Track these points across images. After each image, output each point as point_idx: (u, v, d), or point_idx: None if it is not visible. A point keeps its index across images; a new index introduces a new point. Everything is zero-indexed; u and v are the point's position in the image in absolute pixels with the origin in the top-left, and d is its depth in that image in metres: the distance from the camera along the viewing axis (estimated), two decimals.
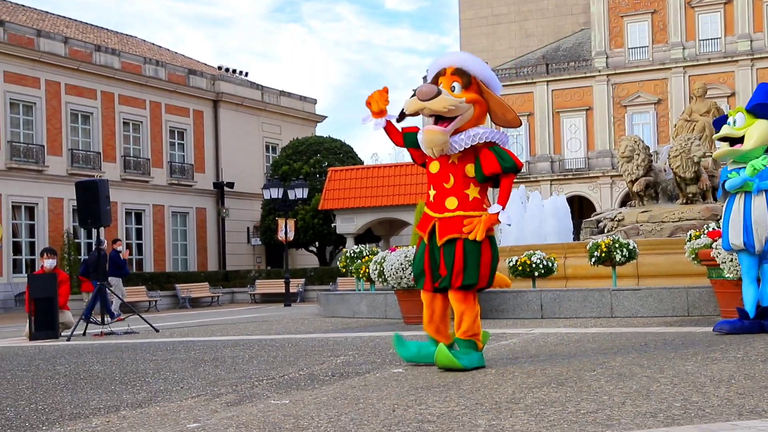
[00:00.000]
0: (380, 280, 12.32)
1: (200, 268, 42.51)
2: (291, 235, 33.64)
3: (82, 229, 36.62)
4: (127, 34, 49.58)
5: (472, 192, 6.26)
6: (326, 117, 53.43)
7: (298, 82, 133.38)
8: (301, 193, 32.27)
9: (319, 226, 40.96)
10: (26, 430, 4.88)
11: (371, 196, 35.36)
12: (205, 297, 36.70)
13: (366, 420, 4.52)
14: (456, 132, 6.22)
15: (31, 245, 35.56)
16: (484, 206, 6.27)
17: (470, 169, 6.26)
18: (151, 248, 40.91)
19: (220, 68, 51.06)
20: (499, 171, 6.21)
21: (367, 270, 13.12)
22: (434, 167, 6.35)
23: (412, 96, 6.28)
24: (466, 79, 6.28)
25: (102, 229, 15.13)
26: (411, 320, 11.71)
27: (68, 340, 12.65)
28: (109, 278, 21.15)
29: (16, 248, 35.00)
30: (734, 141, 7.99)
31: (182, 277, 38.38)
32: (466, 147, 6.21)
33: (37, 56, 35.56)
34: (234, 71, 51.12)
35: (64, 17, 45.33)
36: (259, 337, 11.15)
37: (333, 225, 37.87)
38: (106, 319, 14.39)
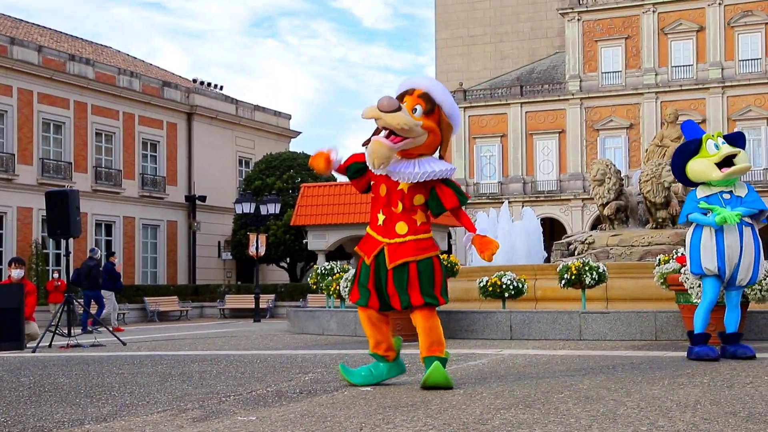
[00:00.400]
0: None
1: (170, 282, 42.26)
2: (262, 251, 33.56)
3: (51, 240, 36.32)
4: (102, 44, 49.39)
5: (420, 217, 6.38)
6: (300, 132, 53.47)
7: (273, 97, 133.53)
8: (273, 208, 32.20)
9: (291, 242, 40.89)
10: None
11: (343, 213, 35.34)
12: (173, 311, 36.46)
13: None
14: (404, 154, 6.25)
15: None
16: (430, 230, 6.46)
17: (419, 199, 6.35)
18: (121, 260, 40.63)
19: (194, 81, 50.98)
20: (458, 205, 6.37)
21: (337, 287, 13.10)
22: (382, 190, 6.40)
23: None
24: (430, 105, 6.27)
25: (71, 240, 15.01)
26: None
27: (33, 351, 12.52)
28: (102, 291, 21.12)
29: None
30: (721, 164, 8.00)
31: (151, 290, 38.11)
32: (420, 181, 6.27)
33: (10, 64, 35.33)
34: (209, 84, 51.05)
35: (39, 26, 45.09)
36: (228, 353, 11.09)
37: (305, 241, 37.81)
38: (73, 331, 14.25)
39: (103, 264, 22.82)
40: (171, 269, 43.30)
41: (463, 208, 6.48)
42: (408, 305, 6.36)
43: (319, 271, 13.94)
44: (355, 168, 6.52)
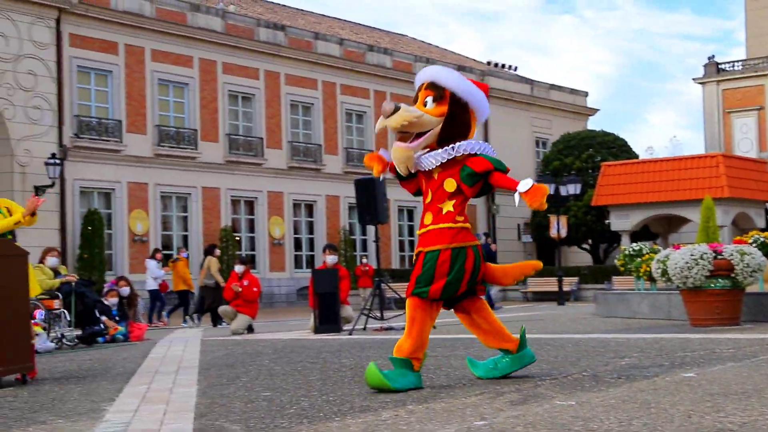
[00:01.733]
0: (663, 279, 11.80)
1: None
2: (564, 232, 33.18)
3: (358, 226, 37.98)
4: (398, 33, 50.94)
5: (446, 206, 6.17)
6: (598, 110, 52.34)
7: (569, 75, 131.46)
8: (573, 189, 31.73)
9: (592, 223, 40.14)
10: (320, 420, 5.03)
11: (647, 191, 34.12)
12: None
13: (659, 426, 4.28)
14: (433, 147, 6.16)
15: (311, 241, 37.32)
16: (458, 218, 6.15)
17: (449, 184, 6.16)
18: None
19: (488, 63, 51.33)
20: (491, 167, 6.08)
21: (648, 268, 12.62)
22: (423, 186, 6.35)
23: None
24: (438, 92, 6.18)
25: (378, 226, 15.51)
26: (698, 322, 11.13)
27: (350, 334, 13.09)
28: None
29: (297, 244, 36.84)
30: None
31: None
32: (443, 161, 6.12)
33: (315, 58, 37.25)
34: (503, 66, 51.20)
35: (339, 19, 47.25)
36: (537, 336, 11.00)
37: (607, 222, 36.95)
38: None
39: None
40: None
41: (504, 172, 6.13)
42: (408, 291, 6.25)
43: (626, 252, 13.51)
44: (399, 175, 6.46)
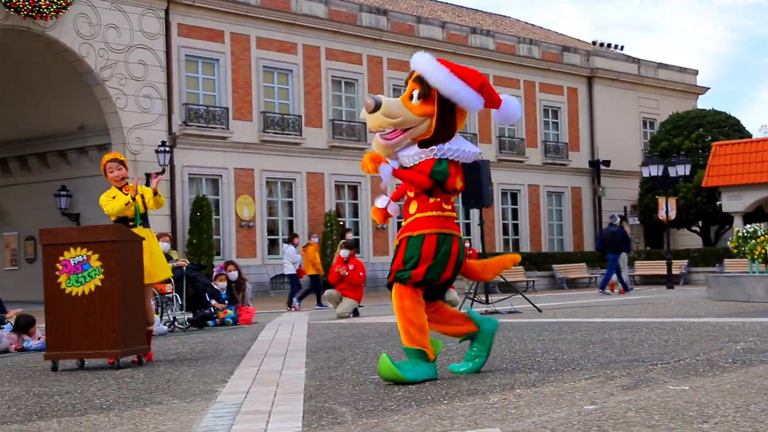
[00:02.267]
0: None
1: (576, 249, 42.31)
2: (672, 214, 32.43)
3: (461, 209, 37.80)
4: (501, 15, 50.44)
5: (432, 197, 6.09)
6: (709, 88, 50.81)
7: (677, 54, 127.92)
8: (682, 169, 30.93)
9: (703, 205, 39.11)
10: (428, 403, 5.04)
11: (761, 171, 33.05)
12: (582, 278, 36.49)
13: None
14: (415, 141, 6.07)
15: None
16: (445, 206, 6.08)
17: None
18: (527, 228, 41.42)
19: (594, 43, 50.40)
20: (427, 171, 5.98)
21: (763, 251, 12.24)
22: None
23: None
24: (425, 89, 6.03)
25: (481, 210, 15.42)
26: None
27: None
28: (622, 253, 22.24)
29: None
30: None
31: (559, 257, 38.40)
32: (414, 165, 6.04)
33: (417, 42, 37.13)
34: (609, 45, 50.21)
35: (441, 2, 47.04)
36: (646, 320, 10.80)
37: (718, 203, 35.93)
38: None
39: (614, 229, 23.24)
40: (577, 236, 43.34)
41: (434, 184, 5.99)
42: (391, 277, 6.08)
43: (740, 234, 13.12)
44: None
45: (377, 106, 5.91)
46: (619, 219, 23.47)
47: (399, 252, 6.09)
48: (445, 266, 6.01)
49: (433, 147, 6.02)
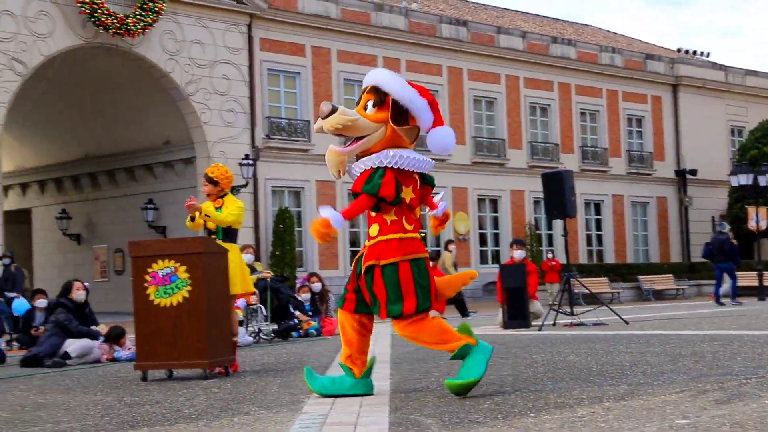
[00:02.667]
0: None
1: (662, 260, 41.54)
2: (763, 224, 31.62)
3: (543, 220, 37.51)
4: (582, 24, 49.92)
5: (390, 216, 5.93)
6: None
7: (766, 60, 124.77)
8: None
9: None
10: (515, 416, 4.99)
11: None
12: (669, 289, 35.80)
13: None
14: (369, 152, 5.94)
15: (496, 236, 37.12)
16: (407, 226, 5.93)
17: None
18: (612, 239, 40.81)
19: (679, 50, 49.52)
20: (358, 190, 5.88)
21: None
22: None
23: None
24: (379, 97, 5.99)
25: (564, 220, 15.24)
26: None
27: (539, 329, 12.95)
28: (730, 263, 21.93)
29: (482, 239, 36.71)
30: None
31: (644, 268, 37.76)
32: (363, 171, 5.91)
33: (497, 52, 37.01)
34: (694, 52, 49.29)
35: (522, 12, 46.78)
36: (739, 333, 10.53)
37: None
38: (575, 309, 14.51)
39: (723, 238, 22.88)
40: (663, 247, 42.53)
41: (366, 197, 5.86)
42: (382, 314, 5.96)
43: None
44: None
45: (334, 110, 5.90)
46: (728, 227, 22.92)
47: (377, 282, 5.89)
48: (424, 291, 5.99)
49: (378, 154, 5.92)
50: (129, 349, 11.27)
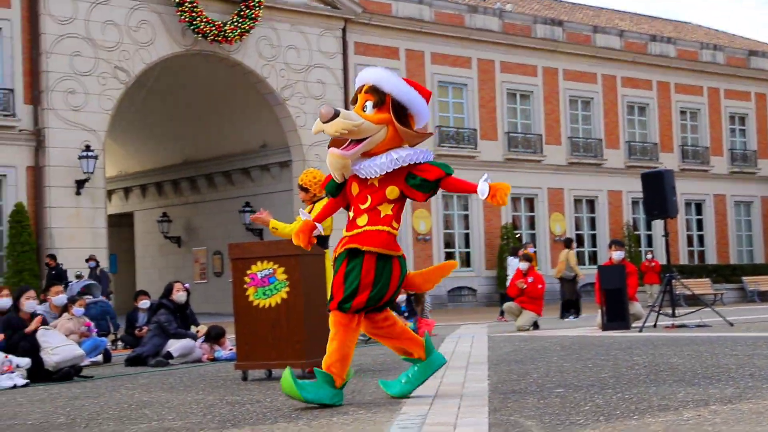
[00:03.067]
0: None
1: (767, 260, 40.36)
2: None
3: (642, 221, 36.84)
4: (682, 21, 48.87)
5: (385, 209, 5.96)
6: None
7: None
8: None
9: None
10: (617, 418, 4.90)
11: None
12: None
13: None
14: (371, 153, 5.91)
15: (593, 237, 36.59)
16: (394, 224, 5.95)
17: (392, 191, 5.95)
18: (713, 239, 39.81)
19: None
20: (442, 174, 5.93)
21: None
22: (354, 189, 6.07)
23: None
24: (379, 98, 5.94)
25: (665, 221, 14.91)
26: None
27: (640, 331, 12.71)
28: None
29: (579, 240, 36.21)
30: None
31: (748, 269, 36.74)
32: (388, 171, 5.90)
33: (594, 52, 36.49)
34: None
35: (619, 11, 46.01)
36: None
37: None
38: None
39: None
40: None
41: (453, 174, 5.96)
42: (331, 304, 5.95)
43: None
44: (331, 188, 6.18)
45: (336, 114, 5.84)
46: None
47: (339, 272, 5.96)
48: (383, 296, 5.94)
49: (417, 150, 5.98)
50: (229, 349, 11.46)
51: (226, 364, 10.32)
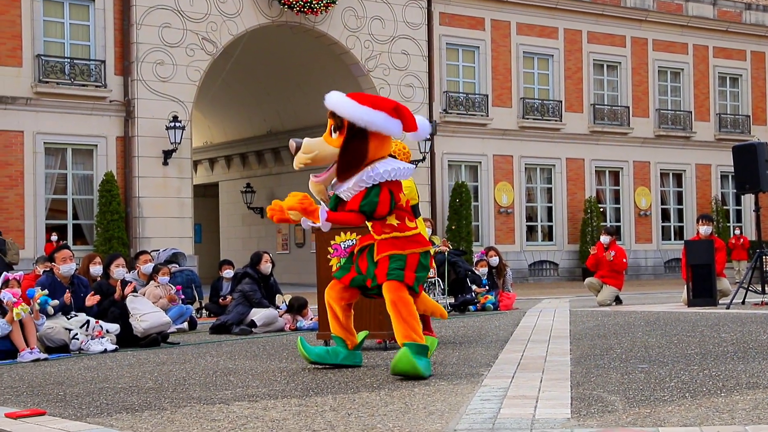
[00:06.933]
0: None
1: None
2: None
3: (731, 195, 36.01)
4: None
5: (392, 221, 6.31)
6: None
7: None
8: None
9: None
10: (704, 395, 4.82)
11: None
12: None
13: None
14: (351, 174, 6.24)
15: (679, 212, 35.88)
16: (408, 223, 6.31)
17: None
18: None
19: None
20: (355, 208, 6.22)
21: None
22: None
23: None
24: (337, 122, 6.32)
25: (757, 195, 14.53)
26: None
27: (727, 307, 12.44)
28: None
29: (665, 215, 35.57)
30: None
31: None
32: (359, 190, 6.20)
33: (685, 21, 35.62)
34: None
35: None
36: None
37: None
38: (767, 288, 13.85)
39: None
40: None
41: (362, 216, 6.25)
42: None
43: None
44: (333, 204, 6.57)
45: (298, 147, 6.33)
46: None
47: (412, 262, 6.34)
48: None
49: (369, 172, 6.19)
50: (312, 319, 11.58)
51: (308, 334, 10.44)
